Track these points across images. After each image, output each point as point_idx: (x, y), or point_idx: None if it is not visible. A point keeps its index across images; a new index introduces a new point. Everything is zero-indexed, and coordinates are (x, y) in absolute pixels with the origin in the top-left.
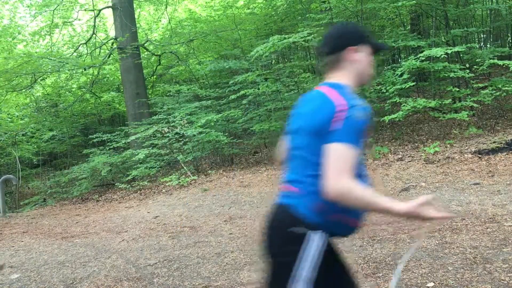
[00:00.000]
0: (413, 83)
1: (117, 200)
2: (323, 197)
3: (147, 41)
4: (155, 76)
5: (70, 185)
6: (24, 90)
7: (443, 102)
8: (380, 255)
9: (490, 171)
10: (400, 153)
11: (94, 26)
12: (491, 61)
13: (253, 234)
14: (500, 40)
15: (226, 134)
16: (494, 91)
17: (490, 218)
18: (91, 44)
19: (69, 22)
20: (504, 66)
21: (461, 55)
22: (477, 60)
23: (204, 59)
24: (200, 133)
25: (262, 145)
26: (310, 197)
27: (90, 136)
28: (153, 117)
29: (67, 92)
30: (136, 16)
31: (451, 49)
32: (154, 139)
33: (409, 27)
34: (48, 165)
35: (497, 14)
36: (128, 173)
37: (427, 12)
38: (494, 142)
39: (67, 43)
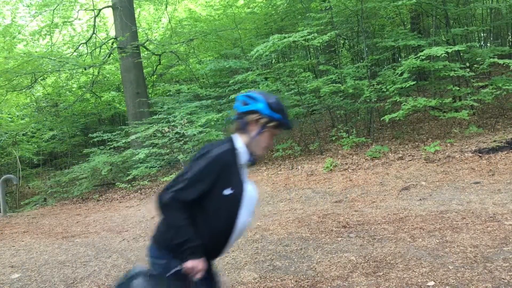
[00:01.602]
0: (414, 82)
1: (117, 199)
2: None
3: (147, 41)
4: (155, 76)
5: (71, 184)
6: (24, 90)
7: (444, 101)
8: (381, 254)
9: (490, 170)
10: (401, 152)
11: (94, 25)
12: (492, 60)
13: (253, 233)
14: (501, 39)
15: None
16: (495, 90)
17: (491, 217)
18: (91, 44)
19: (69, 21)
20: (504, 65)
21: (462, 54)
22: (477, 59)
23: (204, 58)
24: (201, 132)
25: None
26: None
27: (90, 136)
28: (153, 117)
29: (67, 92)
30: (136, 16)
31: (451, 48)
32: (154, 139)
33: (409, 26)
34: (49, 164)
35: (497, 13)
36: (128, 172)
37: (427, 11)
38: (495, 141)
39: (67, 42)
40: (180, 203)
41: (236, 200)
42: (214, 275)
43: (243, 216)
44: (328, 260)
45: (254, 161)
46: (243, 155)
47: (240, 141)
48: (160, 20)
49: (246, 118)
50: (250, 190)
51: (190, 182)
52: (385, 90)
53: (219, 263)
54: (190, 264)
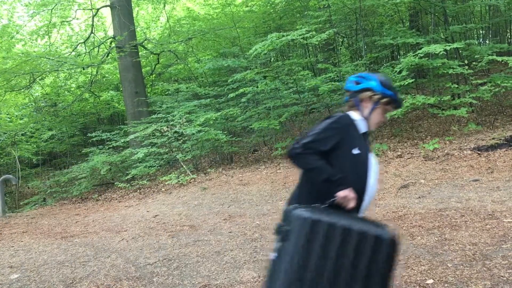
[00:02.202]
0: (412, 80)
1: (116, 199)
2: None
3: (145, 40)
4: (154, 75)
5: (70, 184)
6: (23, 90)
7: (442, 99)
8: None
9: (489, 167)
10: (399, 150)
11: (92, 25)
12: (490, 57)
13: (252, 232)
14: (499, 36)
15: (225, 132)
16: (493, 87)
17: (490, 214)
18: (90, 43)
19: (67, 21)
20: (503, 62)
21: (460, 51)
22: (476, 57)
23: (203, 57)
24: (199, 131)
25: (261, 143)
26: None
27: (89, 135)
28: (152, 116)
29: (66, 92)
30: (134, 15)
31: (450, 45)
32: (153, 138)
33: (408, 24)
34: (48, 164)
35: (496, 10)
36: (127, 172)
37: (426, 8)
38: (493, 138)
39: (65, 42)
40: (312, 150)
41: (364, 159)
42: None
43: (372, 179)
44: None
45: (371, 135)
46: (360, 126)
47: (355, 115)
48: (158, 19)
49: (359, 96)
50: (373, 158)
51: (317, 136)
52: None
53: (219, 262)
54: (342, 193)
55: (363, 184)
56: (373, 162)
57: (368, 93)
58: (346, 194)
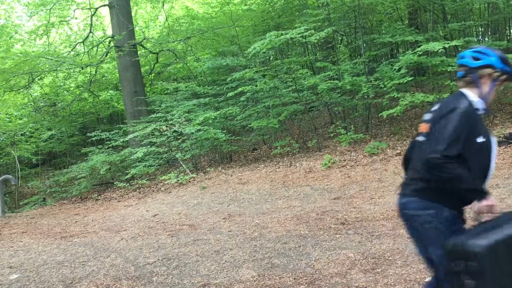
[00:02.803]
0: (411, 78)
1: (116, 198)
2: None
3: (144, 39)
4: (153, 74)
5: (69, 184)
6: (22, 90)
7: (442, 97)
8: (379, 250)
9: None
10: (399, 148)
11: (91, 24)
12: None
13: (252, 231)
14: (498, 33)
15: (225, 131)
16: None
17: None
18: (89, 43)
19: (65, 21)
20: None
21: (459, 49)
22: None
23: (202, 56)
24: (199, 130)
25: (260, 142)
26: None
27: (88, 135)
28: (151, 115)
29: (65, 91)
30: (133, 14)
31: (448, 43)
32: (152, 137)
33: (407, 22)
34: (47, 164)
35: (495, 7)
36: (127, 171)
37: (425, 6)
38: (493, 135)
39: (64, 42)
40: (450, 158)
41: (488, 146)
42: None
43: (493, 161)
44: (327, 257)
45: (488, 113)
46: (479, 107)
47: (472, 95)
48: (157, 18)
49: (479, 73)
50: (493, 138)
51: (451, 140)
52: (382, 86)
53: (218, 261)
54: (485, 202)
55: (487, 168)
56: (493, 142)
57: (489, 70)
58: (489, 204)
